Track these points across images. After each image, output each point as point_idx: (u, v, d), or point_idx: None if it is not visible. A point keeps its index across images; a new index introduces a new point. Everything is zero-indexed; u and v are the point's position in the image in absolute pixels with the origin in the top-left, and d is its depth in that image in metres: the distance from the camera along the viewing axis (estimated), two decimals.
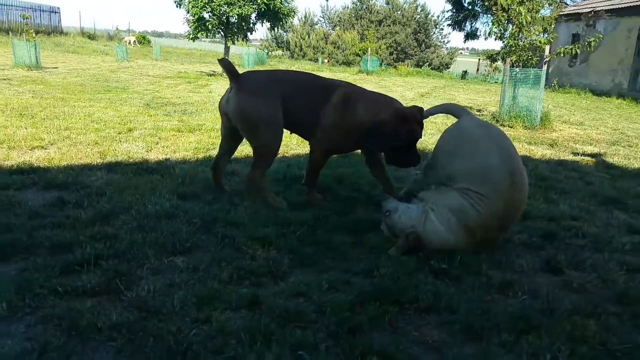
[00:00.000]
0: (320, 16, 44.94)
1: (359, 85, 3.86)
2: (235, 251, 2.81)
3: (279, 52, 39.83)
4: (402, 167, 3.68)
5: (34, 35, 14.53)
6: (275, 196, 3.68)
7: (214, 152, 5.16)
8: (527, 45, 9.52)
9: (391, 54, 39.13)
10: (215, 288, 2.35)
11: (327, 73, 24.83)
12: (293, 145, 5.81)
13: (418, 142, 3.56)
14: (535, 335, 2.12)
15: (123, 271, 2.47)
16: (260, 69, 24.22)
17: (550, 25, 10.45)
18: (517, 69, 9.29)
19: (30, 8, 29.44)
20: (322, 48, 38.00)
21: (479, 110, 11.13)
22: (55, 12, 32.44)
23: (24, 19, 15.73)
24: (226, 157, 4.01)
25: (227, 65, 3.54)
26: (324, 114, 3.56)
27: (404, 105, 3.66)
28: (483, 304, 2.38)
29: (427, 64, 39.28)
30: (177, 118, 7.19)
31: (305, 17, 41.68)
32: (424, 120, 3.57)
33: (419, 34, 40.69)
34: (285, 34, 39.77)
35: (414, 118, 3.45)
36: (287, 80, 3.68)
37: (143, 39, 37.10)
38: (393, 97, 3.69)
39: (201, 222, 3.17)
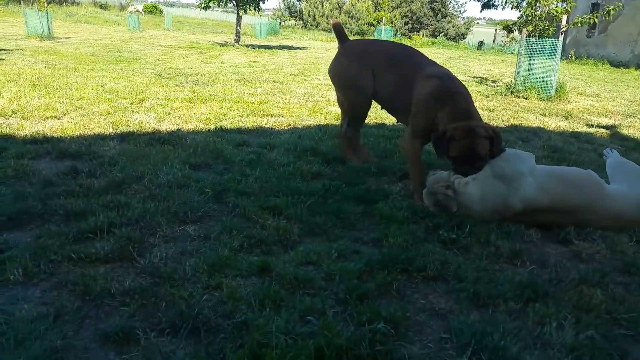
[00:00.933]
0: None
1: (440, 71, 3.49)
2: (246, 220, 2.84)
3: (292, 21, 39.38)
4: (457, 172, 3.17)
5: (45, 5, 14.50)
6: (360, 154, 4.03)
7: (226, 123, 5.19)
8: (544, 15, 9.31)
9: (406, 23, 38.49)
10: (226, 255, 2.39)
11: None
12: (305, 116, 5.80)
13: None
14: (542, 303, 2.14)
15: (136, 239, 2.52)
16: (281, 38, 23.98)
17: None
18: (534, 39, 9.10)
19: None
20: (336, 17, 37.44)
21: (494, 81, 10.97)
22: None
23: None
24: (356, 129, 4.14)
25: (338, 29, 3.97)
26: (410, 100, 3.43)
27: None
28: (491, 273, 2.39)
29: (443, 34, 38.65)
30: (189, 88, 7.20)
31: None
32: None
33: (434, 3, 39.92)
34: (298, 3, 39.24)
35: (478, 136, 3.03)
36: (380, 52, 3.75)
37: (155, 9, 36.80)
38: (474, 109, 3.29)
39: (212, 191, 3.20)
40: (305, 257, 2.44)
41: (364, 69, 3.73)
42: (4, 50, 10.54)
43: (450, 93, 3.28)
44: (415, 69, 3.49)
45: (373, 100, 3.86)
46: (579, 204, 2.86)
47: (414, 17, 39.11)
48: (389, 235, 2.68)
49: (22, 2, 20.51)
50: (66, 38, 14.73)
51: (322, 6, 38.29)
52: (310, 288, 2.17)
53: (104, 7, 33.51)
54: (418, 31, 37.97)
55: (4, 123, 4.62)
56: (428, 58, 3.71)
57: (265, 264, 2.34)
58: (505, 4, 10.06)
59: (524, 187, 2.86)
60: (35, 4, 14.45)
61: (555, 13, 9.14)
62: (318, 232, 2.77)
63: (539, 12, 9.32)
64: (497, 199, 2.87)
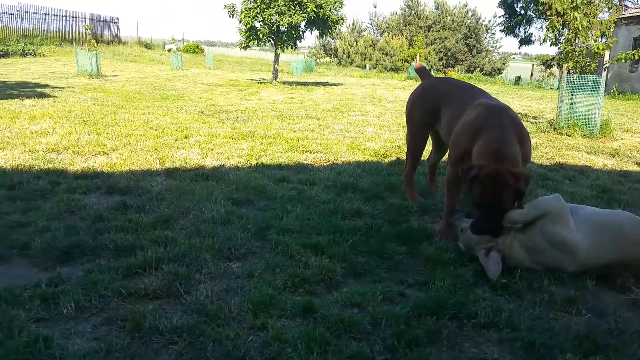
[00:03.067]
0: (368, 23, 45.08)
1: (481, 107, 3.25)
2: (289, 258, 2.84)
3: (327, 59, 40.08)
4: (472, 229, 2.87)
5: (95, 45, 15.24)
6: (414, 192, 4.11)
7: (266, 159, 5.27)
8: (585, 51, 9.18)
9: (440, 59, 38.60)
10: (270, 294, 2.39)
11: (375, 79, 24.79)
12: (343, 153, 5.83)
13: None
14: (603, 357, 2.03)
15: (183, 275, 2.55)
16: (316, 75, 24.43)
17: (609, 29, 10.04)
18: (575, 75, 8.97)
19: (91, 19, 30.92)
20: (370, 54, 37.93)
21: (534, 118, 10.82)
22: (115, 23, 33.87)
23: (86, 30, 16.52)
24: (435, 156, 4.38)
25: (421, 71, 4.23)
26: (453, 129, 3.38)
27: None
28: (545, 321, 2.30)
29: (479, 69, 38.54)
30: (229, 125, 7.36)
31: (353, 24, 41.82)
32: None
33: (469, 39, 39.99)
34: (333, 41, 39.98)
35: (505, 183, 2.75)
36: (446, 88, 3.81)
37: (197, 48, 38.14)
38: (511, 151, 2.91)
39: (255, 228, 3.23)
40: (349, 298, 2.41)
41: (426, 105, 3.83)
42: (57, 87, 11.08)
43: (489, 125, 3.00)
44: (470, 100, 3.39)
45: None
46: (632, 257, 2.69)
47: (449, 53, 39.21)
48: (435, 278, 2.62)
49: (73, 42, 21.62)
50: (113, 76, 15.38)
51: (357, 44, 38.88)
52: (357, 332, 2.13)
53: (148, 46, 34.93)
54: (453, 67, 38.00)
55: (57, 158, 4.81)
56: (489, 95, 3.57)
57: (310, 304, 2.32)
58: (544, 40, 9.98)
59: (579, 251, 2.68)
60: (86, 44, 15.21)
61: (596, 50, 9.02)
62: (361, 273, 2.74)
63: (578, 48, 9.22)
64: (549, 262, 2.72)
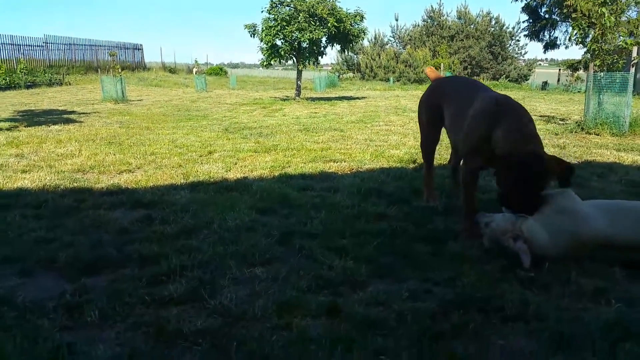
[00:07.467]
0: (390, 36, 44.92)
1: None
2: (313, 262, 2.82)
3: (350, 74, 40.28)
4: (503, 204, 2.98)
5: (119, 71, 15.66)
6: (432, 193, 4.08)
7: (290, 169, 5.28)
8: (612, 49, 8.99)
9: (465, 68, 38.33)
10: (294, 296, 2.37)
11: (399, 91, 24.76)
12: (367, 161, 5.81)
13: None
14: (635, 343, 1.95)
15: (207, 281, 2.56)
16: (340, 90, 24.57)
17: (637, 27, 9.84)
18: (602, 73, 8.78)
19: (116, 46, 31.74)
20: (393, 67, 37.93)
21: (562, 119, 10.61)
22: (139, 49, 34.77)
23: (110, 57, 16.99)
24: (456, 158, 4.30)
25: (430, 75, 4.33)
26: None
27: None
28: (574, 312, 2.23)
29: (505, 76, 38.12)
30: (253, 140, 7.43)
31: (375, 38, 41.92)
32: None
33: (494, 47, 39.63)
34: (355, 56, 40.18)
35: (541, 164, 2.80)
36: (449, 86, 3.92)
37: (220, 70, 38.84)
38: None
39: (279, 234, 3.23)
40: (374, 297, 2.37)
41: (431, 105, 3.89)
42: (83, 113, 11.38)
43: (506, 109, 3.03)
44: (474, 95, 3.38)
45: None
46: None
47: (473, 62, 38.89)
48: (462, 274, 2.57)
49: (99, 70, 22.27)
50: (138, 100, 15.75)
51: (379, 57, 38.96)
52: (382, 328, 2.09)
53: (172, 70, 35.73)
54: (478, 75, 37.68)
55: (82, 177, 4.92)
56: (490, 89, 3.63)
57: (334, 304, 2.30)
58: (569, 39, 9.83)
59: (591, 219, 2.69)
60: (111, 70, 15.64)
61: (624, 45, 8.82)
62: (386, 273, 2.70)
63: (605, 46, 9.03)
64: (566, 235, 2.70)
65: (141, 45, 34.87)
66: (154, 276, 2.61)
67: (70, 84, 23.81)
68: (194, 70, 30.17)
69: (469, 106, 3.30)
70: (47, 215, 3.69)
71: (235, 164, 5.62)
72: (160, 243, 3.09)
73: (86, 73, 27.52)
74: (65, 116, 10.63)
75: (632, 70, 8.34)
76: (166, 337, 2.06)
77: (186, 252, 2.92)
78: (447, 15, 41.04)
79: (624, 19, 9.45)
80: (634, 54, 8.68)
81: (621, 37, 8.93)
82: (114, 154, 6.08)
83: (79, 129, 8.62)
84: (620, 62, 9.06)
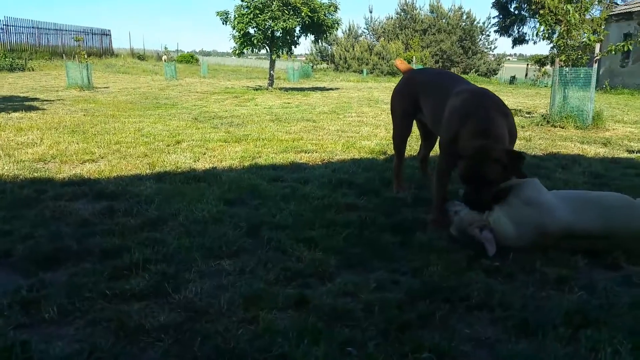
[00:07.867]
0: (364, 28, 44.93)
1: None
2: (282, 254, 2.79)
3: (324, 65, 40.18)
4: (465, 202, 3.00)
5: (86, 57, 15.20)
6: (401, 184, 4.09)
7: (260, 160, 5.22)
8: (577, 45, 9.19)
9: (437, 62, 38.65)
10: (261, 289, 2.33)
11: (372, 83, 24.81)
12: (338, 151, 5.79)
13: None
14: (594, 329, 2.00)
15: (171, 274, 2.49)
16: (313, 81, 24.45)
17: (600, 26, 10.08)
18: (567, 68, 8.97)
19: (82, 32, 30.75)
20: (367, 59, 37.98)
21: (528, 113, 10.80)
22: (107, 35, 33.83)
23: (76, 42, 16.50)
24: (425, 150, 4.44)
25: (399, 67, 4.33)
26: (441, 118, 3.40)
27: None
28: (538, 300, 2.27)
29: (474, 70, 38.63)
30: (223, 130, 7.32)
31: (349, 29, 41.88)
32: None
33: (464, 41, 40.05)
34: (329, 47, 40.08)
35: (492, 157, 2.82)
36: (424, 78, 3.92)
37: (191, 58, 38.20)
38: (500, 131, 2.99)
39: (247, 226, 3.17)
40: (342, 288, 2.35)
41: (406, 96, 3.89)
42: (46, 100, 11.03)
43: (474, 109, 3.06)
44: (451, 88, 3.42)
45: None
46: (617, 227, 2.73)
47: (444, 56, 39.23)
48: (429, 264, 2.58)
49: (64, 55, 21.60)
50: (105, 88, 15.35)
51: (353, 49, 38.92)
52: (349, 320, 2.07)
53: (141, 57, 34.93)
54: (449, 69, 38.07)
55: (44, 167, 4.75)
56: (468, 81, 3.68)
57: (302, 296, 2.27)
58: (536, 35, 9.99)
59: (556, 210, 2.75)
60: (77, 56, 15.16)
61: (588, 42, 9.02)
62: (355, 264, 2.68)
63: (570, 42, 9.21)
64: (531, 226, 2.76)
65: (109, 30, 33.97)
66: (116, 270, 2.52)
67: (33, 70, 23.04)
68: (163, 57, 29.59)
69: (447, 97, 3.34)
70: (4, 206, 3.53)
71: (204, 154, 5.52)
72: (122, 235, 2.99)
73: (51, 59, 26.64)
74: (27, 103, 10.28)
75: (595, 66, 8.53)
76: (127, 333, 1.99)
77: (150, 244, 2.83)
78: (420, 9, 41.40)
79: (588, 17, 9.65)
80: (597, 50, 8.88)
81: (585, 34, 9.12)
82: (77, 143, 5.90)
83: (41, 116, 8.34)
84: (584, 58, 9.26)
